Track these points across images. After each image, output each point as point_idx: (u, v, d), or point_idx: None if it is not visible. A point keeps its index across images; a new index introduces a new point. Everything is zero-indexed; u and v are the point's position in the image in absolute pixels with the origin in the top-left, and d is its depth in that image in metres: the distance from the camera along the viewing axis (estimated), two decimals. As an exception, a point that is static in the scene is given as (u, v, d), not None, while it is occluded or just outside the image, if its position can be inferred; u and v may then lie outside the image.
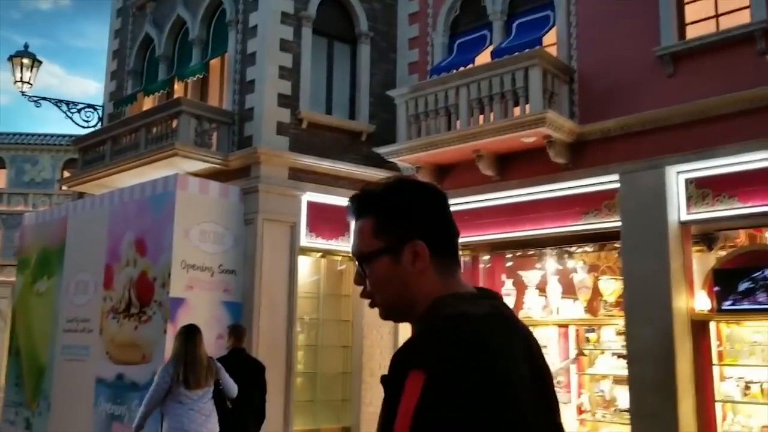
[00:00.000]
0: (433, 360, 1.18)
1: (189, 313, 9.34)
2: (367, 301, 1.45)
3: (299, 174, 10.23)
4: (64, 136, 29.89)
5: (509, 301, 10.96)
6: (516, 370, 1.25)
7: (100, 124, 13.22)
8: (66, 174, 29.40)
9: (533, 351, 1.38)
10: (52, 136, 30.24)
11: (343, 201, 10.82)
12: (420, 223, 1.38)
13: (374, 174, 10.89)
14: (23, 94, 12.82)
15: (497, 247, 10.59)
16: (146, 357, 9.28)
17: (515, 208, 10.01)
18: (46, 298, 11.58)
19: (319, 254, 10.67)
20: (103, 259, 10.38)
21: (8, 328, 13.17)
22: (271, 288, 9.84)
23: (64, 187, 28.58)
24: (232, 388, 6.10)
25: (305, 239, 10.23)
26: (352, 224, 1.47)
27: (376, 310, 1.45)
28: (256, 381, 6.59)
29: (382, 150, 10.32)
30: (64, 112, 12.96)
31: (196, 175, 10.14)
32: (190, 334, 6.04)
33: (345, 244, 10.79)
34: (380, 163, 10.99)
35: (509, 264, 11.05)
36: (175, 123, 10.22)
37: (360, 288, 1.45)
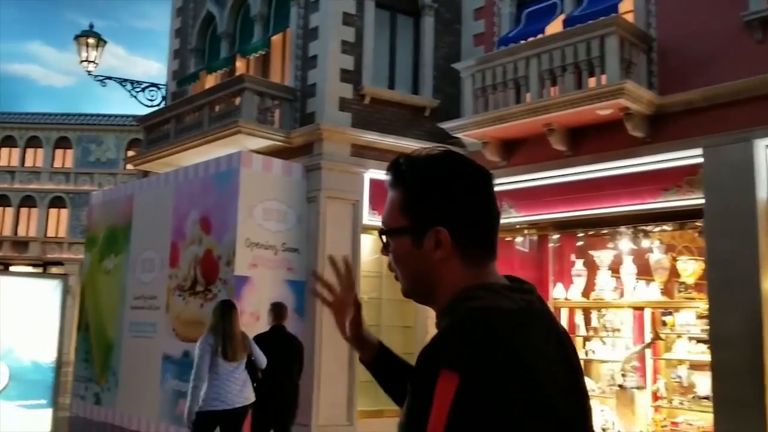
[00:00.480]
0: (466, 360, 1.11)
1: (253, 292, 9.28)
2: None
3: (362, 151, 10.02)
4: (127, 116, 30.45)
5: (579, 282, 10.57)
6: (551, 371, 1.18)
7: (163, 103, 13.25)
8: (130, 153, 30.03)
9: (568, 350, 1.29)
10: (116, 116, 30.85)
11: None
12: (449, 208, 1.26)
13: (439, 150, 10.60)
14: (89, 74, 12.94)
15: (567, 226, 10.17)
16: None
17: (587, 184, 9.56)
18: (113, 275, 11.72)
19: (383, 232, 10.46)
20: (169, 237, 10.41)
21: (77, 304, 13.40)
22: (334, 267, 9.66)
23: (129, 166, 29.26)
24: (263, 360, 6.44)
25: (367, 217, 10.02)
26: (389, 194, 1.35)
27: None
28: (293, 356, 6.91)
29: (446, 125, 10.00)
30: (129, 91, 13.02)
31: (258, 152, 10.02)
32: (227, 310, 6.42)
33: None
34: (444, 138, 10.68)
35: (580, 244, 10.65)
36: (238, 100, 10.11)
37: None
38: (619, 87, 8.14)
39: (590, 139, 9.31)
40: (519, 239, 10.87)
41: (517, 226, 10.58)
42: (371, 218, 10.07)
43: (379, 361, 1.69)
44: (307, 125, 10.00)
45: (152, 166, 12.12)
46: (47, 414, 7.02)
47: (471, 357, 1.10)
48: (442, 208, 1.26)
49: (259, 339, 6.69)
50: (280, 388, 6.66)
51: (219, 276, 9.36)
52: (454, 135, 10.03)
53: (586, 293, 10.48)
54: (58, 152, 30.59)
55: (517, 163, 10.14)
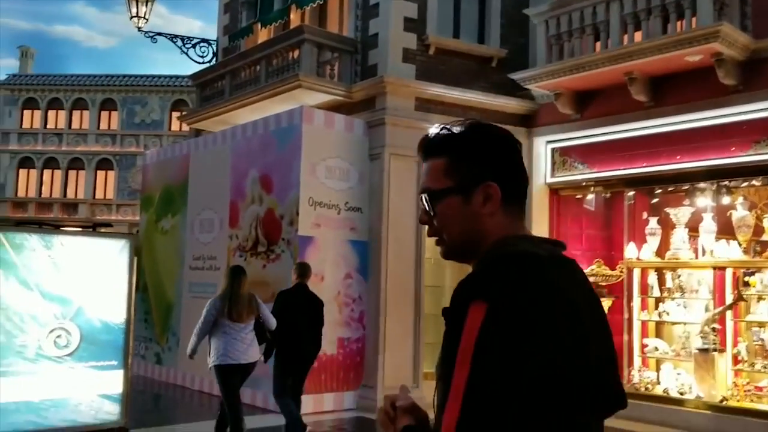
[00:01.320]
0: (495, 292, 1.20)
1: (317, 252, 8.99)
2: None
3: (427, 105, 9.55)
4: (171, 77, 30.31)
5: (653, 242, 10.06)
6: (576, 313, 1.24)
7: (214, 59, 12.90)
8: (175, 114, 29.94)
9: (597, 305, 1.36)
10: (160, 77, 30.68)
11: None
12: (494, 166, 1.37)
13: (505, 103, 10.09)
14: (139, 30, 12.62)
15: (643, 182, 9.61)
16: (274, 295, 9.01)
17: (669, 137, 8.99)
18: (170, 235, 11.56)
19: (448, 190, 10.05)
20: (228, 196, 10.15)
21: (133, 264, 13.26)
22: (397, 227, 9.32)
23: (174, 127, 29.12)
24: (272, 322, 6.88)
25: (433, 175, 9.59)
26: (423, 163, 1.43)
27: None
28: (315, 313, 7.25)
29: (518, 75, 9.47)
30: (179, 47, 12.70)
31: (317, 108, 9.63)
32: (236, 275, 6.86)
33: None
34: (511, 91, 10.16)
35: (655, 201, 10.11)
36: (296, 53, 9.69)
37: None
38: (714, 30, 7.50)
39: (674, 89, 8.70)
40: (590, 197, 10.38)
41: (585, 184, 10.08)
42: (437, 175, 9.65)
43: None
44: (368, 78, 9.55)
45: (206, 124, 11.83)
46: (119, 375, 6.86)
47: (500, 289, 1.19)
48: (489, 165, 1.35)
49: (284, 295, 7.24)
50: (300, 342, 7.05)
51: (282, 236, 9.08)
52: (526, 86, 9.50)
53: (659, 253, 9.98)
54: (104, 114, 30.61)
55: (592, 116, 9.58)
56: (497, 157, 1.38)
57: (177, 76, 29.88)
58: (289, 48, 9.78)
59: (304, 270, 7.41)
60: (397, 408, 1.43)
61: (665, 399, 9.20)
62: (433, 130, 1.44)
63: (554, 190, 10.40)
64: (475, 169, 1.36)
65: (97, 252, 6.79)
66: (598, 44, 8.97)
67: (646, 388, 9.48)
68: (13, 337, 6.26)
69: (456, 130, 1.40)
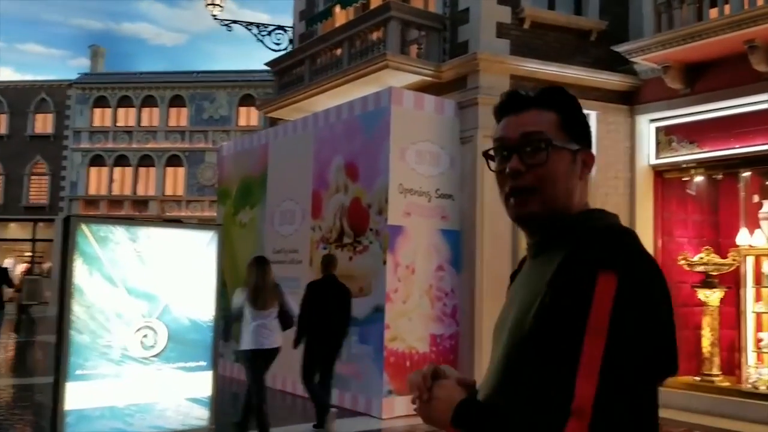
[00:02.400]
0: (625, 263, 1.19)
1: (407, 242, 8.44)
2: None
3: (521, 82, 8.85)
4: (238, 72, 30.27)
5: (767, 227, 9.15)
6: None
7: (290, 47, 12.49)
8: (242, 110, 29.90)
9: None
10: (226, 72, 30.68)
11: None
12: (588, 135, 1.40)
13: (606, 79, 9.32)
14: (215, 18, 12.32)
15: (762, 161, 8.71)
16: (364, 289, 8.51)
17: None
18: (249, 228, 11.19)
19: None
20: (310, 186, 9.69)
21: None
22: (492, 214, 8.66)
23: (252, 122, 29.02)
24: (294, 310, 7.16)
25: (530, 159, 8.92)
26: (514, 115, 1.38)
27: None
28: (343, 303, 7.49)
29: (624, 47, 8.69)
30: (255, 35, 12.35)
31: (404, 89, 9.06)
32: (261, 265, 7.19)
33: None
34: (611, 66, 9.38)
35: (769, 183, 9.18)
36: (380, 33, 9.14)
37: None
38: None
39: (803, 56, 7.80)
40: (698, 179, 9.51)
41: (694, 165, 9.22)
42: (533, 159, 8.97)
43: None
44: (458, 56, 8.93)
45: (284, 112, 11.42)
46: (207, 377, 6.46)
47: (626, 259, 1.20)
48: (586, 134, 1.39)
49: (312, 286, 7.59)
50: (327, 331, 7.37)
51: (369, 226, 8.56)
52: (632, 59, 8.71)
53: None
54: (173, 111, 30.77)
55: (703, 90, 8.73)
56: (588, 125, 1.41)
57: (244, 71, 29.83)
58: (373, 27, 9.24)
59: (329, 261, 7.73)
60: (444, 376, 1.38)
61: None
62: (541, 86, 1.43)
63: (659, 173, 9.58)
64: (584, 132, 1.37)
65: (183, 245, 6.39)
66: (713, 11, 8.12)
67: (762, 387, 8.61)
68: (98, 338, 5.90)
69: (561, 90, 1.39)
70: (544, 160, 1.31)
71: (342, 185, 9.05)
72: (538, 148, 1.32)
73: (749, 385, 8.67)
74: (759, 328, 9.17)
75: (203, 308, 6.43)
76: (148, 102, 30.98)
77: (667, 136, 9.38)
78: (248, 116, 29.80)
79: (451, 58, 9.07)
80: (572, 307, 1.17)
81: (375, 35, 9.26)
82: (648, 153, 9.48)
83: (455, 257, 8.78)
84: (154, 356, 6.15)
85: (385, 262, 8.21)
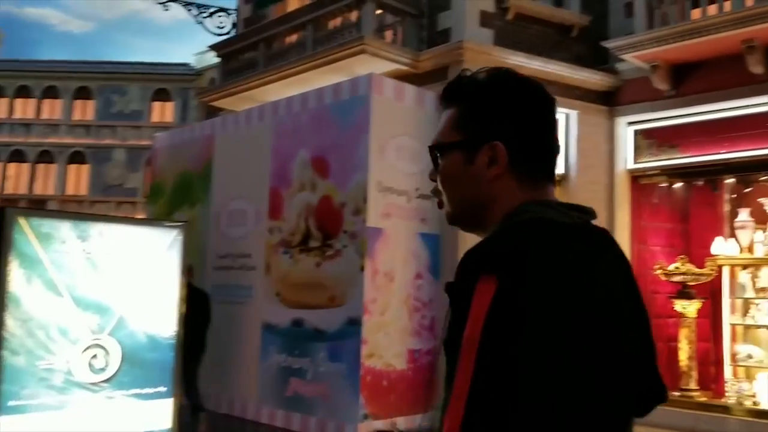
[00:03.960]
0: (508, 264, 1.03)
1: (386, 247, 7.58)
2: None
3: (505, 77, 8.23)
4: (153, 64, 28.47)
5: (744, 235, 8.93)
6: (601, 289, 1.08)
7: (234, 31, 11.41)
8: (155, 104, 28.10)
9: (627, 275, 1.18)
10: (140, 64, 28.78)
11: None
12: (508, 122, 1.18)
13: (587, 77, 8.84)
14: (151, -6, 11.09)
15: (746, 168, 8.45)
16: (336, 299, 7.58)
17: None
18: (188, 230, 9.99)
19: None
20: (267, 183, 8.65)
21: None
22: (471, 218, 7.98)
23: (167, 118, 27.20)
24: None
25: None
26: (441, 114, 1.27)
27: None
28: (203, 308, 7.68)
29: (614, 43, 8.23)
30: (194, 17, 11.19)
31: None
32: None
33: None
34: (593, 64, 8.92)
35: (747, 190, 8.97)
36: (354, 15, 8.29)
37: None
38: None
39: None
40: (677, 185, 9.19)
41: (674, 170, 8.89)
42: (515, 159, 8.36)
43: None
44: (437, 45, 8.20)
45: (229, 102, 10.32)
46: (168, 405, 5.42)
47: (510, 260, 1.04)
48: (499, 122, 1.19)
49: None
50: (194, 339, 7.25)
51: (343, 228, 7.64)
52: (622, 56, 8.25)
53: (750, 249, 8.86)
54: (78, 103, 28.53)
55: (690, 92, 8.38)
56: (514, 112, 1.19)
57: (159, 64, 28.07)
58: (345, 9, 8.37)
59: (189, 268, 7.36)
60: None
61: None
62: (457, 76, 1.26)
63: (635, 178, 9.19)
64: (484, 124, 1.19)
65: (141, 246, 5.33)
66: (711, 8, 7.77)
67: (747, 402, 8.32)
68: (37, 359, 4.77)
69: (479, 77, 1.23)
70: (439, 168, 1.25)
71: (308, 182, 8.10)
72: (432, 156, 1.26)
73: (732, 401, 8.36)
74: (733, 340, 8.92)
75: (163, 321, 5.40)
76: (50, 93, 28.63)
77: (646, 140, 8.99)
78: (162, 112, 28.06)
79: (429, 46, 8.33)
80: (454, 315, 1.07)
81: (347, 17, 8.39)
82: (626, 157, 9.06)
83: (434, 264, 8.01)
84: (104, 381, 5.06)
85: (362, 269, 7.33)
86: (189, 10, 11.07)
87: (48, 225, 4.89)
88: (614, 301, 1.10)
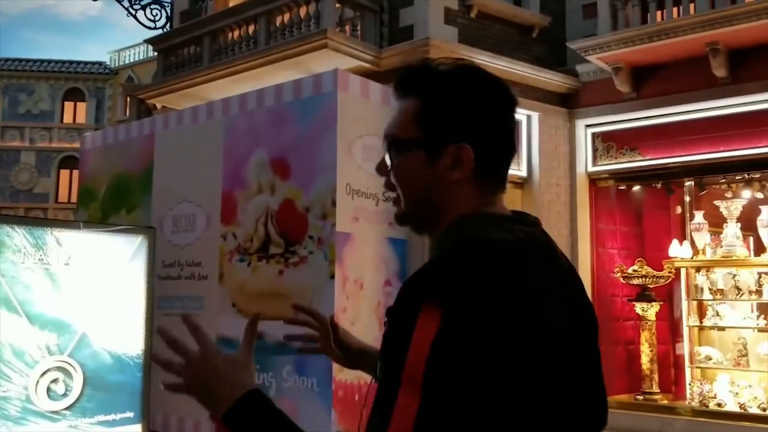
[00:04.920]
0: (452, 293, 0.96)
1: (355, 252, 7.15)
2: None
3: (470, 76, 7.99)
4: (64, 62, 26.89)
5: (699, 237, 9.03)
6: (549, 309, 1.02)
7: (168, 25, 10.72)
8: (67, 104, 26.51)
9: (574, 288, 1.12)
10: (50, 62, 27.11)
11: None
12: (474, 124, 1.11)
13: (549, 79, 8.71)
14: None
15: (704, 171, 8.52)
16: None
17: (747, 118, 7.93)
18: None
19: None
20: (218, 185, 8.03)
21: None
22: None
23: (80, 119, 25.64)
24: None
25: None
26: (396, 103, 1.18)
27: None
28: None
29: (579, 44, 8.12)
30: (126, 9, 10.42)
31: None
32: None
33: (513, 168, 8.67)
34: (552, 66, 8.81)
35: (702, 193, 9.08)
36: (311, 8, 7.84)
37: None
38: None
39: (759, 62, 7.65)
40: (636, 188, 9.20)
41: (633, 173, 8.90)
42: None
43: None
44: (399, 42, 7.87)
45: (169, 99, 9.64)
46: None
47: (458, 290, 0.96)
48: (468, 122, 1.11)
49: None
50: None
51: (309, 233, 7.16)
52: (587, 56, 8.16)
53: (705, 251, 8.98)
54: (-20, 103, 26.66)
55: (651, 95, 8.39)
56: (482, 112, 1.11)
57: (71, 62, 26.51)
58: (302, 2, 7.90)
59: None
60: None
61: (738, 416, 8.12)
62: (417, 64, 1.18)
63: (593, 180, 9.15)
64: (451, 123, 1.11)
65: (103, 254, 4.74)
66: (676, 11, 7.79)
67: (711, 404, 8.38)
68: None
69: (443, 68, 1.15)
70: (392, 163, 1.17)
71: (267, 185, 7.56)
72: (387, 150, 1.18)
73: (695, 402, 8.39)
74: (691, 342, 9.00)
75: (129, 339, 4.83)
76: (-52, 91, 26.59)
77: (605, 143, 8.96)
78: (75, 112, 26.51)
79: (391, 43, 7.99)
80: (393, 347, 0.98)
81: (303, 11, 7.93)
82: (585, 160, 9.00)
83: (402, 270, 7.65)
84: (66, 409, 4.48)
85: (332, 276, 6.89)
86: (121, 2, 10.29)
87: (0, 231, 4.24)
88: (558, 320, 1.03)
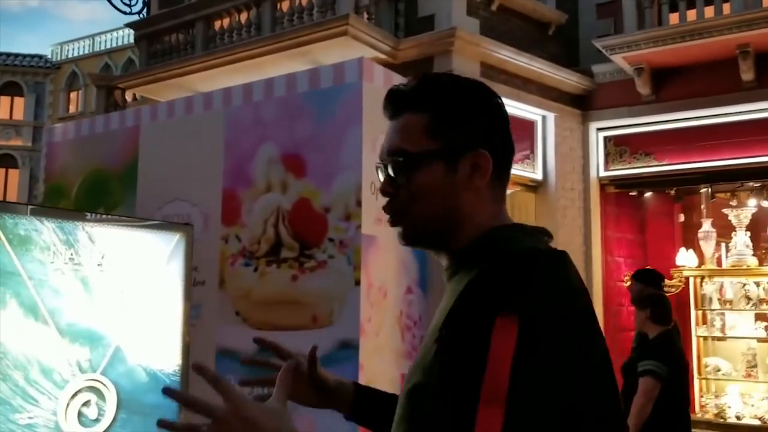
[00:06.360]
0: (526, 303, 0.94)
1: (379, 257, 6.56)
2: None
3: (491, 72, 7.55)
4: (0, 54, 25.25)
5: (707, 246, 8.86)
6: (594, 313, 1.05)
7: (146, 12, 9.90)
8: (5, 99, 24.86)
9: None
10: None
11: (528, 113, 8.26)
12: (487, 130, 1.13)
13: (565, 79, 8.36)
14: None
15: (725, 177, 8.30)
16: (319, 319, 6.40)
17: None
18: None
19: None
20: (218, 183, 7.30)
21: None
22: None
23: (17, 116, 23.99)
24: None
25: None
26: (392, 120, 1.19)
27: None
28: None
29: (606, 42, 7.78)
30: (102, -9, 9.58)
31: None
32: None
33: (528, 171, 8.27)
34: (568, 65, 8.47)
35: (712, 201, 8.90)
36: (324, -8, 7.26)
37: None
38: None
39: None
40: (648, 194, 8.95)
41: (647, 179, 8.64)
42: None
43: (360, 403, 1.41)
44: (417, 33, 7.37)
45: (152, 89, 8.84)
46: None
47: (530, 299, 0.96)
48: (483, 128, 1.13)
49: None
50: None
51: (328, 235, 6.54)
52: (611, 56, 7.84)
53: (713, 260, 8.82)
54: None
55: (672, 98, 8.13)
56: (491, 119, 1.14)
57: (9, 54, 24.88)
58: (313, -16, 7.31)
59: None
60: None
61: (760, 429, 7.91)
62: (413, 80, 1.20)
63: (603, 186, 8.84)
64: (467, 130, 1.12)
65: (139, 254, 4.05)
66: (708, 10, 7.55)
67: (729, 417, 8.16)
68: (13, 412, 3.43)
69: (443, 80, 1.17)
70: (407, 182, 1.12)
71: (277, 182, 6.86)
72: (399, 168, 1.13)
73: (710, 415, 8.15)
74: (699, 353, 8.79)
75: (165, 353, 4.13)
76: None
77: (617, 147, 8.67)
78: (12, 107, 24.86)
79: (407, 34, 7.47)
80: (463, 365, 0.93)
81: (315, -5, 7.34)
82: (598, 164, 8.70)
83: (422, 277, 7.11)
84: (99, 435, 3.74)
85: (358, 283, 6.29)
86: (97, -19, 9.43)
87: (27, 224, 3.51)
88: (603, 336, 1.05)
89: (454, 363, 0.96)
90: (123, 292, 3.88)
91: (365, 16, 7.46)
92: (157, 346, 4.04)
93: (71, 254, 3.62)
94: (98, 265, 3.74)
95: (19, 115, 24.29)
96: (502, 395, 0.89)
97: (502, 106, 1.16)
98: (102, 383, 3.70)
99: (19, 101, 24.33)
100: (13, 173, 24.06)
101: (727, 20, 7.14)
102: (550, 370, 0.91)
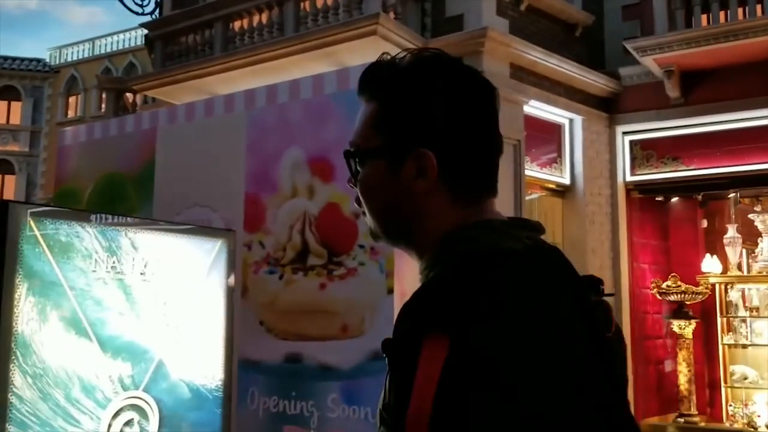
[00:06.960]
0: (458, 319, 0.82)
1: (413, 265, 6.33)
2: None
3: (521, 73, 7.36)
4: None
5: (733, 252, 8.69)
6: (566, 324, 0.88)
7: (158, 12, 9.69)
8: (2, 104, 24.53)
9: (586, 299, 0.97)
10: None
11: (556, 116, 8.09)
12: (439, 124, 0.97)
13: (592, 81, 8.19)
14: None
15: (750, 183, 8.17)
16: (350, 329, 6.16)
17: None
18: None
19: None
20: (240, 187, 7.08)
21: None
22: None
23: (14, 120, 23.70)
24: None
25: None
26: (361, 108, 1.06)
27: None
28: None
29: (637, 43, 7.61)
30: (114, -9, 9.36)
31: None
32: None
33: (556, 175, 8.09)
34: (594, 67, 8.30)
35: (738, 206, 8.75)
36: (352, -9, 7.07)
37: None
38: None
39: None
40: (674, 200, 8.78)
41: (674, 183, 8.47)
42: (528, 168, 7.47)
43: None
44: (445, 33, 7.18)
45: (167, 92, 8.61)
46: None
47: (463, 315, 0.83)
48: (429, 125, 0.98)
49: None
50: None
51: (358, 242, 6.33)
52: (642, 57, 7.67)
53: (738, 266, 8.66)
54: None
55: (701, 101, 7.97)
56: (447, 111, 0.97)
57: (6, 58, 24.59)
58: (339, -17, 7.12)
59: None
60: None
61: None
62: (380, 60, 1.06)
63: (629, 191, 8.67)
64: (410, 126, 0.98)
65: (181, 262, 3.83)
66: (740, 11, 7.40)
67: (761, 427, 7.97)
68: None
69: (403, 65, 1.01)
70: (358, 176, 1.03)
71: (304, 187, 6.65)
72: (350, 162, 1.05)
73: (738, 425, 7.97)
74: (725, 361, 8.62)
75: (208, 368, 3.91)
76: None
77: (644, 151, 8.50)
78: (9, 112, 24.54)
79: (434, 35, 7.28)
80: (395, 381, 0.87)
81: (340, -6, 7.14)
82: (624, 168, 8.52)
83: (452, 284, 6.91)
84: (140, 458, 3.52)
85: (391, 291, 6.07)
86: (109, -19, 9.21)
87: (68, 231, 3.29)
88: (575, 336, 0.89)
89: (390, 387, 0.89)
90: (166, 304, 3.66)
91: (392, 15, 7.26)
92: (199, 361, 3.82)
93: (113, 262, 3.40)
94: (141, 273, 3.52)
95: (16, 119, 23.97)
96: (425, 423, 0.80)
97: (475, 92, 0.99)
98: (145, 401, 3.49)
99: (16, 106, 24.02)
100: (10, 179, 23.73)
101: (761, 22, 6.98)
102: (480, 398, 0.79)
